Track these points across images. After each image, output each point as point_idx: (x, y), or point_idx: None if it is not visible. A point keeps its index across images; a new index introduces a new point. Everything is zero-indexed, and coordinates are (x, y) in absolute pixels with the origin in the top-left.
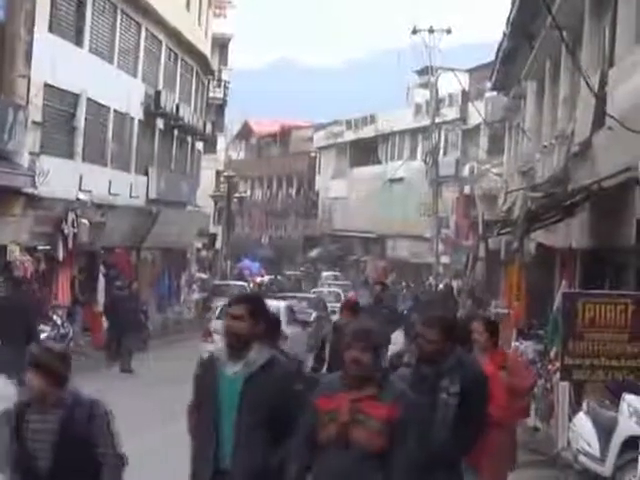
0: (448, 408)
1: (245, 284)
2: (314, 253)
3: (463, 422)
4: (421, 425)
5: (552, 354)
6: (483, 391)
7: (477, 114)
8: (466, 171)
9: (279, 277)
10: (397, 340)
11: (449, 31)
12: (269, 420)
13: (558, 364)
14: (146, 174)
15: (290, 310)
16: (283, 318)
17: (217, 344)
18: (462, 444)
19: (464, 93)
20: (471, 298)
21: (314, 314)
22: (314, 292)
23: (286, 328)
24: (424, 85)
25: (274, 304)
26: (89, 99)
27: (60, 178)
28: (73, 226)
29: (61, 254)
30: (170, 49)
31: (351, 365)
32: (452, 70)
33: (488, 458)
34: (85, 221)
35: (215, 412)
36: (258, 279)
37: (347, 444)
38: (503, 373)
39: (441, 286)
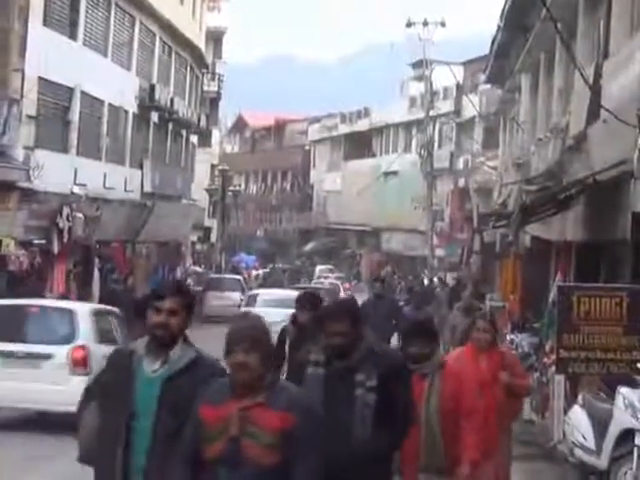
0: (366, 405)
1: (240, 277)
2: (309, 246)
3: (386, 418)
4: (323, 433)
5: (547, 347)
6: (404, 381)
7: (472, 107)
8: (461, 164)
9: (274, 270)
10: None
11: (443, 24)
12: None
13: (553, 357)
14: (141, 168)
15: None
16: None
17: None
18: (388, 442)
19: (458, 86)
20: (473, 289)
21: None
22: (315, 283)
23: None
24: (418, 78)
25: (292, 294)
26: (83, 93)
27: (55, 172)
28: (68, 220)
29: (56, 248)
30: (164, 42)
31: (236, 369)
32: (447, 63)
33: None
34: (80, 215)
35: (128, 416)
36: (253, 272)
37: (238, 461)
38: (503, 374)
39: (435, 279)
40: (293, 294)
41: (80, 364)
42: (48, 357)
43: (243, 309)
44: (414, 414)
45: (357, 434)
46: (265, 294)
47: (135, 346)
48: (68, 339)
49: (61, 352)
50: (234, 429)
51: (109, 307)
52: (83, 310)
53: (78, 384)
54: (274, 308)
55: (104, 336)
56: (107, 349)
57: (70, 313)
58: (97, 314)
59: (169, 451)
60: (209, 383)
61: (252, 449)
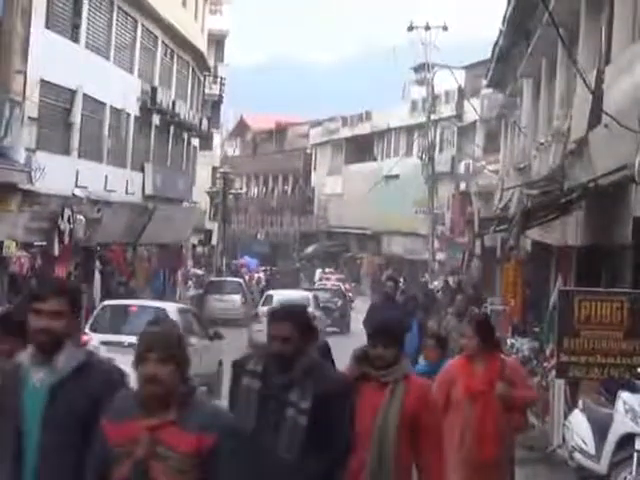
0: (296, 428)
1: (241, 280)
2: (310, 250)
3: (318, 444)
4: (248, 455)
5: (548, 351)
6: (342, 405)
7: (473, 111)
8: (462, 168)
9: (275, 273)
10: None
11: (445, 28)
12: (83, 440)
13: (554, 361)
14: (142, 170)
15: (316, 298)
16: (312, 304)
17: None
18: (316, 470)
19: (460, 90)
20: (471, 293)
21: (340, 302)
22: (318, 285)
23: (316, 312)
24: (420, 82)
25: (304, 294)
26: (85, 95)
27: (56, 174)
28: (69, 222)
29: (57, 250)
30: (166, 45)
31: (145, 382)
32: (448, 67)
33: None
34: (81, 217)
35: (15, 432)
36: (255, 275)
37: None
38: (501, 385)
39: (436, 283)
40: (306, 294)
41: None
42: None
43: (260, 309)
44: (350, 443)
45: (283, 459)
46: (280, 294)
47: (22, 357)
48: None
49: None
50: (141, 451)
51: (188, 306)
52: (172, 308)
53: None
54: None
55: (187, 329)
56: (188, 340)
57: (162, 310)
58: (181, 312)
59: (60, 467)
60: (111, 394)
61: (161, 473)
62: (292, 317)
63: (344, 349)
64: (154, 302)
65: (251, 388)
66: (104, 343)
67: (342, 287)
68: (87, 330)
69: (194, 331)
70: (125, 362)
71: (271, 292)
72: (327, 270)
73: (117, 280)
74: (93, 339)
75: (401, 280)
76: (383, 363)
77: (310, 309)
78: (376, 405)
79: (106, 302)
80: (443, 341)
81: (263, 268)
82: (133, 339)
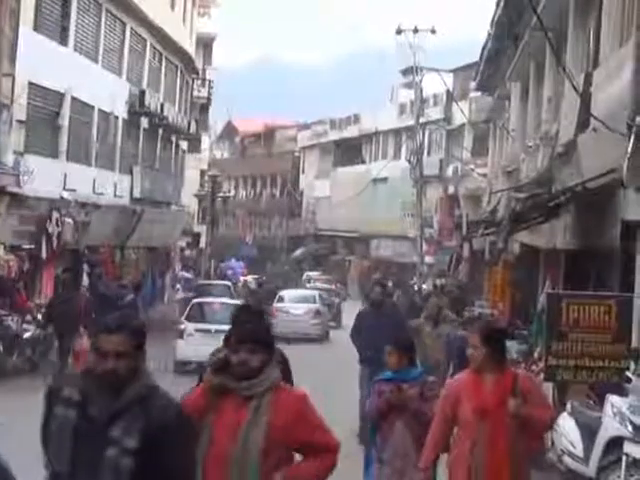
0: (117, 472)
1: (229, 283)
2: (298, 253)
3: None
4: None
5: (536, 354)
6: (178, 444)
7: (461, 114)
8: (450, 171)
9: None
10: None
11: (433, 31)
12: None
13: (542, 364)
14: (130, 173)
15: (321, 296)
16: (319, 301)
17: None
18: None
19: (448, 93)
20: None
21: (336, 300)
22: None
23: (321, 307)
24: (408, 85)
25: (312, 292)
26: (73, 98)
27: (44, 177)
28: (57, 225)
29: (45, 253)
30: (155, 48)
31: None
32: (436, 70)
33: None
34: (69, 220)
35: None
36: (241, 279)
37: None
38: (513, 402)
39: (424, 286)
40: (314, 292)
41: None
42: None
43: (275, 305)
44: None
45: None
46: (289, 293)
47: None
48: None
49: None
50: None
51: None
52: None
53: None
54: (298, 303)
55: None
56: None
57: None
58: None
59: None
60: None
61: None
62: (129, 328)
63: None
64: (232, 300)
65: (65, 420)
66: (197, 330)
67: (334, 287)
68: (184, 320)
69: None
70: (212, 344)
71: (283, 292)
72: (314, 273)
73: (119, 284)
74: (189, 327)
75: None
76: (246, 372)
77: (317, 305)
78: (236, 425)
79: (195, 300)
80: (404, 347)
81: (255, 276)
82: (217, 327)
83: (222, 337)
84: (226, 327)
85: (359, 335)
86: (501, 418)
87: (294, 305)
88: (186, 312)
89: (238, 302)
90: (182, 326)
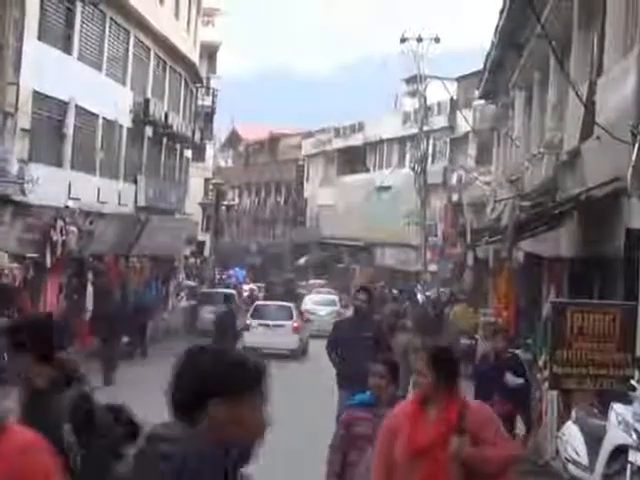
0: None
1: (233, 291)
2: (302, 261)
3: None
4: None
5: (541, 363)
6: None
7: (465, 122)
8: (454, 179)
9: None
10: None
11: (437, 40)
12: None
13: (547, 373)
14: (135, 182)
15: (341, 299)
16: (339, 304)
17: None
18: None
19: (452, 101)
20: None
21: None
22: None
23: (341, 309)
24: (412, 93)
25: (333, 296)
26: (78, 107)
27: (49, 186)
28: (62, 234)
29: (49, 261)
30: (159, 57)
31: None
32: (440, 79)
33: None
34: (74, 229)
35: None
36: (244, 287)
37: None
38: (455, 440)
39: (428, 294)
40: (332, 297)
41: (296, 330)
42: (283, 326)
43: (303, 308)
44: None
45: None
46: (313, 296)
47: None
48: (290, 318)
49: (288, 324)
50: None
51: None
52: (293, 306)
53: (296, 338)
54: (321, 306)
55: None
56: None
57: (289, 307)
58: (296, 308)
59: None
60: None
61: None
62: None
63: None
64: (285, 303)
65: None
66: (260, 324)
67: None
68: (249, 317)
69: None
70: (269, 335)
71: (307, 297)
72: (316, 281)
73: (135, 290)
74: (253, 322)
75: (395, 291)
76: None
77: (337, 307)
78: None
79: (258, 302)
80: (395, 367)
81: (258, 284)
82: (274, 322)
83: (277, 330)
84: (280, 322)
85: (335, 350)
86: (439, 460)
87: (318, 307)
88: (250, 311)
89: (291, 305)
90: (248, 321)
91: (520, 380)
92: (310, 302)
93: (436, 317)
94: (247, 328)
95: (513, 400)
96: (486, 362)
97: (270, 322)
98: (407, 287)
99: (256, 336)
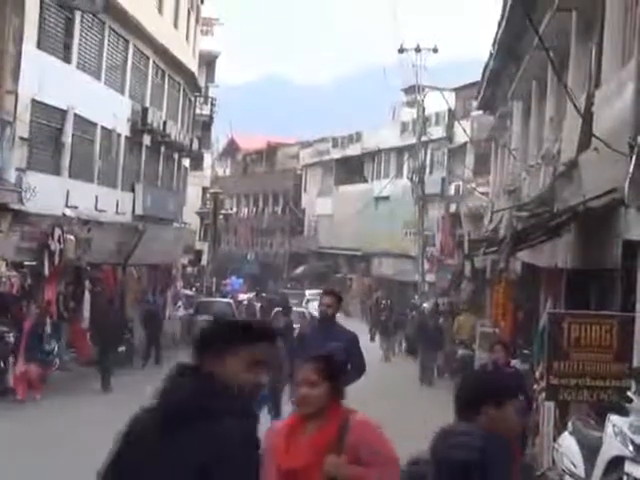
0: None
1: (231, 301)
2: (299, 270)
3: None
4: None
5: (537, 374)
6: None
7: (463, 133)
8: (452, 190)
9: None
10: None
11: (435, 50)
12: None
13: (543, 384)
14: (133, 190)
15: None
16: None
17: None
18: None
19: (450, 112)
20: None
21: None
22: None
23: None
24: (411, 103)
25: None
26: (76, 115)
27: (47, 194)
28: (59, 242)
29: (47, 270)
30: (158, 66)
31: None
32: (438, 89)
33: None
34: (71, 237)
35: None
36: (240, 296)
37: None
38: (331, 459)
39: (425, 305)
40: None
41: None
42: None
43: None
44: None
45: None
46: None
47: None
48: None
49: None
50: None
51: None
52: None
53: None
54: None
55: None
56: None
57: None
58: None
59: None
60: None
61: None
62: None
63: None
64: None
65: None
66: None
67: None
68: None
69: None
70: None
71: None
72: (313, 291)
73: (148, 300)
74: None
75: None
76: None
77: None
78: None
79: (277, 309)
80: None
81: (254, 292)
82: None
83: None
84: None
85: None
86: None
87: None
88: (272, 315)
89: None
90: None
91: (520, 397)
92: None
93: (435, 328)
94: None
95: None
96: None
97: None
98: (403, 299)
99: None
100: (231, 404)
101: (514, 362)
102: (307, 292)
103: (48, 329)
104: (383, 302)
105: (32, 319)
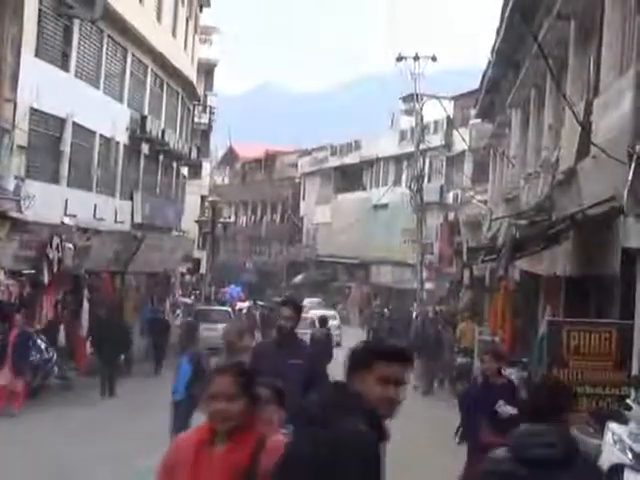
0: None
1: (229, 309)
2: (298, 279)
3: None
4: None
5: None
6: None
7: (462, 141)
8: (450, 198)
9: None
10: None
11: (434, 58)
12: None
13: None
14: (131, 199)
15: (339, 313)
16: (338, 317)
17: None
18: None
19: (449, 120)
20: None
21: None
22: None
23: (339, 323)
24: (409, 112)
25: (332, 312)
26: (75, 124)
27: (45, 202)
28: (58, 250)
29: (46, 278)
30: (156, 74)
31: None
32: (437, 97)
33: None
34: (70, 245)
35: None
36: (238, 304)
37: None
38: None
39: (424, 313)
40: (332, 312)
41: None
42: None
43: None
44: None
45: None
46: (313, 311)
47: None
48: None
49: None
50: None
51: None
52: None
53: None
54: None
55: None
56: None
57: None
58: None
59: None
60: None
61: None
62: None
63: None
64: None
65: None
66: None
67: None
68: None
69: None
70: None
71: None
72: (313, 300)
73: (154, 309)
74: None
75: (385, 310)
76: None
77: (337, 321)
78: None
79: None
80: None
81: (251, 301)
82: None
83: None
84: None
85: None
86: None
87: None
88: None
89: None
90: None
91: (513, 410)
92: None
93: (435, 336)
94: None
95: (503, 432)
96: (474, 385)
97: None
98: (401, 306)
99: None
100: (363, 416)
101: (509, 371)
102: (306, 300)
103: (39, 340)
104: (377, 310)
105: (17, 329)
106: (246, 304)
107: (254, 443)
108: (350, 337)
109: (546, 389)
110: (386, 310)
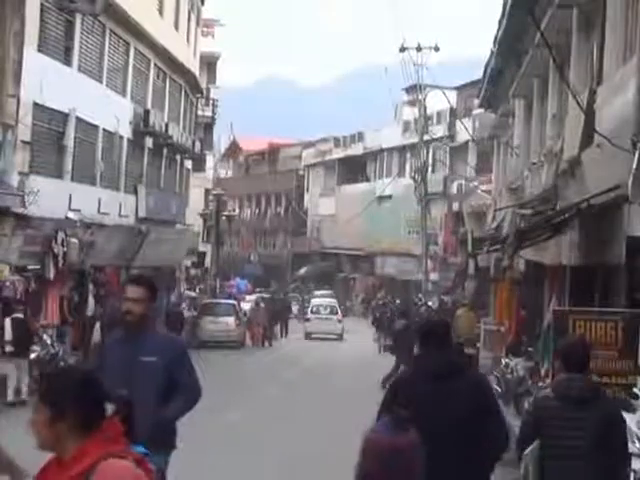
0: None
1: (234, 302)
2: (303, 271)
3: None
4: None
5: (543, 371)
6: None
7: (465, 131)
8: (454, 188)
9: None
10: None
11: (437, 49)
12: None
13: (549, 381)
14: (135, 193)
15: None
16: (340, 310)
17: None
18: None
19: (452, 111)
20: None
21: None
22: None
23: (341, 317)
24: (412, 103)
25: (335, 306)
26: (78, 118)
27: (49, 197)
28: (63, 245)
29: (51, 273)
30: (159, 68)
31: None
32: (440, 88)
33: None
34: (75, 240)
35: None
36: (247, 297)
37: None
38: None
39: (429, 303)
40: (335, 305)
41: (340, 321)
42: (332, 319)
43: (310, 315)
44: None
45: None
46: (318, 299)
47: None
48: (336, 313)
49: (335, 317)
50: None
51: None
52: (337, 303)
53: (340, 326)
54: (326, 313)
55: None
56: None
57: (334, 304)
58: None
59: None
60: None
61: None
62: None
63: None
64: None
65: None
66: (315, 318)
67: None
68: (309, 312)
69: None
70: (323, 324)
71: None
72: (321, 292)
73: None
74: (311, 316)
75: (397, 301)
76: None
77: (339, 315)
78: None
79: (313, 301)
80: None
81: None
82: (326, 316)
83: (328, 321)
84: (330, 316)
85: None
86: None
87: (323, 314)
88: (309, 308)
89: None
90: (308, 315)
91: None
92: (314, 305)
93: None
94: (308, 320)
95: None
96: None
97: (323, 316)
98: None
99: (315, 325)
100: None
101: (515, 361)
102: (318, 293)
103: (45, 335)
104: (380, 300)
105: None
106: (253, 297)
107: (83, 468)
108: (355, 327)
109: (580, 345)
110: (389, 298)
